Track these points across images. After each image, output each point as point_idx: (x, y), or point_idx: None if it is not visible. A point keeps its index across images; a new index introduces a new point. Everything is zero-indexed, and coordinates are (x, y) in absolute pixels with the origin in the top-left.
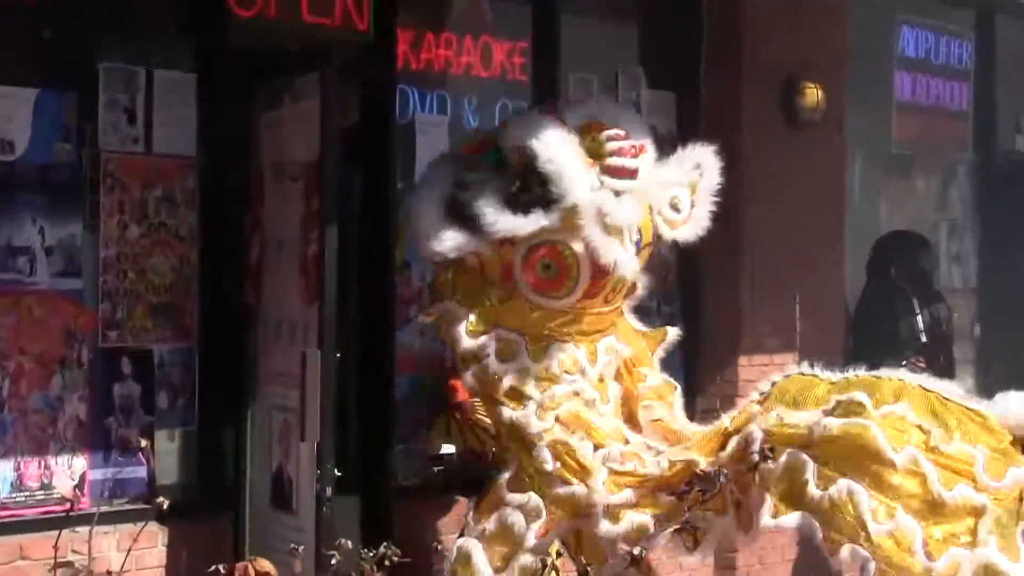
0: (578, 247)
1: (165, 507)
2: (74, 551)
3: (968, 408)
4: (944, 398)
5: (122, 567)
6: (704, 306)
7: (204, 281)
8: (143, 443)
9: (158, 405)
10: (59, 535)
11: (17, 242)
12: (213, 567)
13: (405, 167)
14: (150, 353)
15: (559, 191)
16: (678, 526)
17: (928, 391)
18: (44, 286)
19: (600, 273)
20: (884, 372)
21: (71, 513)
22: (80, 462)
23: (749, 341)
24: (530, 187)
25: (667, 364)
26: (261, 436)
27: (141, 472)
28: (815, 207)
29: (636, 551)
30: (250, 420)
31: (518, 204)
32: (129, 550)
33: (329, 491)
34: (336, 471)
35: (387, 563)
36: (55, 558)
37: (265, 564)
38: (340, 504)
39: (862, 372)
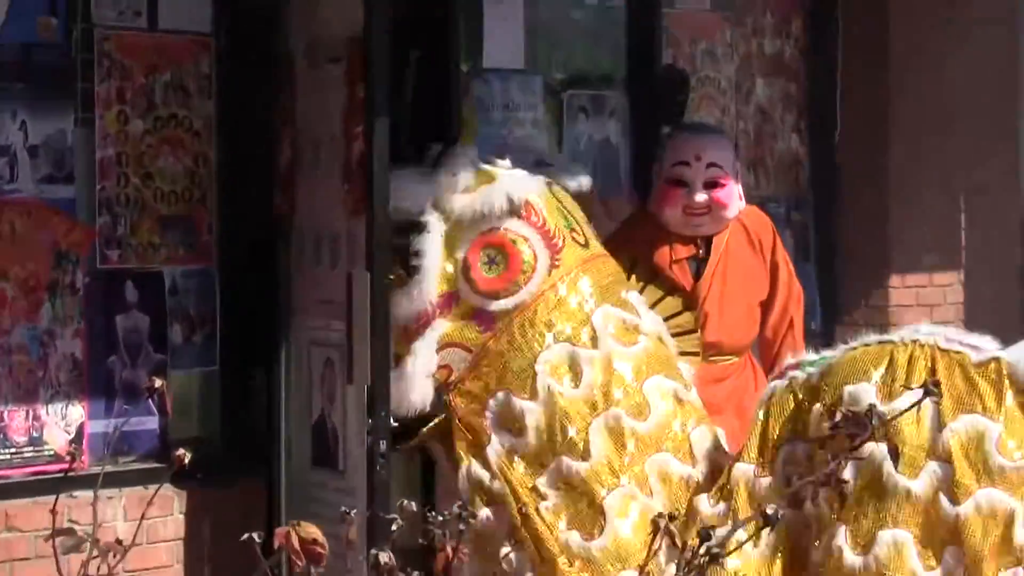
0: (498, 223)
1: (187, 461)
2: (71, 521)
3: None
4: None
5: (132, 539)
6: (845, 213)
7: (224, 187)
8: (159, 384)
9: (171, 340)
10: (55, 500)
11: None
12: (246, 535)
13: (471, 43)
14: (160, 276)
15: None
16: (822, 480)
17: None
18: (28, 194)
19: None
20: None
21: (67, 474)
22: (77, 411)
23: (901, 257)
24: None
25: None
26: (298, 378)
27: (152, 424)
28: (982, 95)
29: (770, 509)
30: (284, 358)
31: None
32: (141, 518)
33: (384, 445)
34: (392, 420)
35: (462, 528)
36: (52, 526)
37: (312, 530)
38: (397, 461)
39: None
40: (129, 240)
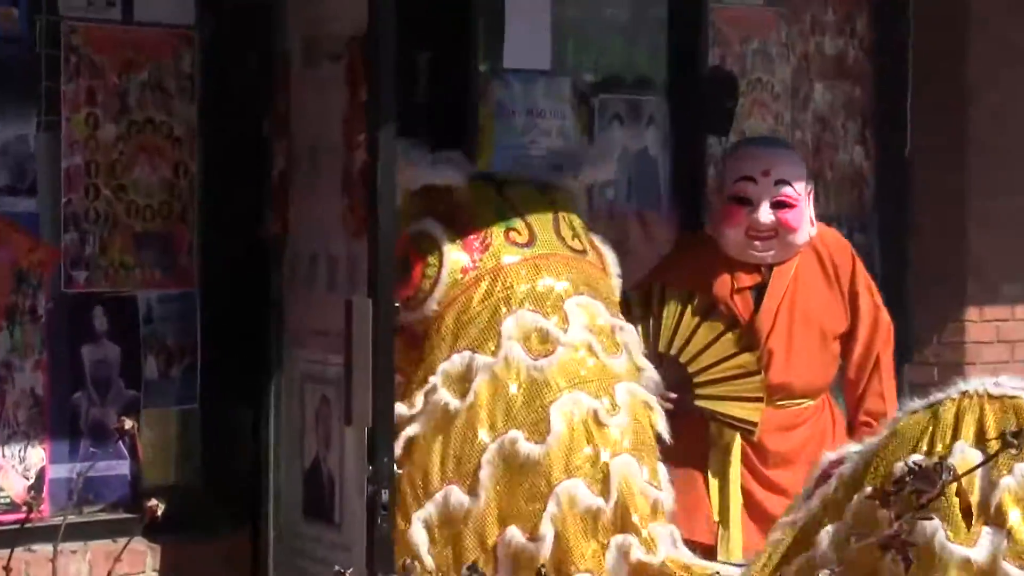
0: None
1: (159, 513)
2: None
3: None
4: None
5: None
6: (915, 237)
7: (208, 202)
8: (129, 425)
9: (145, 375)
10: (11, 554)
11: None
12: None
13: (490, 40)
14: (133, 302)
15: None
16: (883, 542)
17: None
18: None
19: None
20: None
21: (24, 525)
22: (37, 454)
23: (980, 287)
24: None
25: None
26: (290, 418)
27: (123, 469)
28: None
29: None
30: (274, 396)
31: None
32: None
33: (386, 495)
34: (396, 467)
35: None
36: None
37: None
38: None
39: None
40: (98, 261)
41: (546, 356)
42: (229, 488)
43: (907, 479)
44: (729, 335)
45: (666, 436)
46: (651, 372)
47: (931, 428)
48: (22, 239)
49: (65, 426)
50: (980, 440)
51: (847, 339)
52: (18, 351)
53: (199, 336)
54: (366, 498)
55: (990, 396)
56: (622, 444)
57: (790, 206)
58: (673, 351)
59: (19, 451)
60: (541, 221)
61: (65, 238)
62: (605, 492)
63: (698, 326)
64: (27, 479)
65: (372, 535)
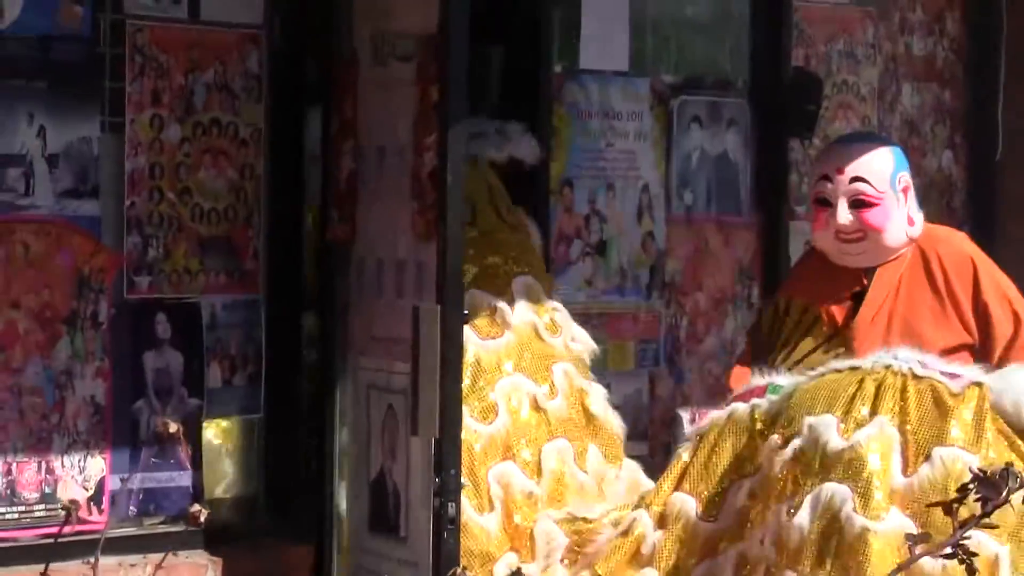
0: None
1: (203, 519)
2: None
3: None
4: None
5: None
6: (1006, 246)
7: (274, 205)
8: (174, 428)
9: (208, 383)
10: (46, 568)
11: (6, 148)
12: None
13: (565, 39)
14: (196, 308)
15: None
16: (946, 551)
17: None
18: (45, 211)
19: None
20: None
21: (83, 535)
22: (97, 464)
23: None
24: None
25: None
26: (355, 428)
27: (184, 479)
28: None
29: None
30: (339, 406)
31: None
32: None
33: (452, 508)
34: (463, 479)
35: None
36: None
37: None
38: None
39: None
40: (162, 266)
41: (495, 338)
42: (293, 499)
43: (972, 486)
44: (827, 345)
45: (601, 416)
46: (581, 348)
47: (851, 393)
48: (84, 243)
49: (126, 435)
50: (900, 416)
51: (982, 356)
52: (79, 358)
53: (263, 344)
54: (432, 511)
55: (914, 375)
56: (557, 428)
57: (870, 205)
58: (779, 361)
59: (79, 461)
60: (480, 195)
61: (128, 242)
62: (538, 475)
63: (803, 336)
64: (86, 490)
65: (438, 550)
